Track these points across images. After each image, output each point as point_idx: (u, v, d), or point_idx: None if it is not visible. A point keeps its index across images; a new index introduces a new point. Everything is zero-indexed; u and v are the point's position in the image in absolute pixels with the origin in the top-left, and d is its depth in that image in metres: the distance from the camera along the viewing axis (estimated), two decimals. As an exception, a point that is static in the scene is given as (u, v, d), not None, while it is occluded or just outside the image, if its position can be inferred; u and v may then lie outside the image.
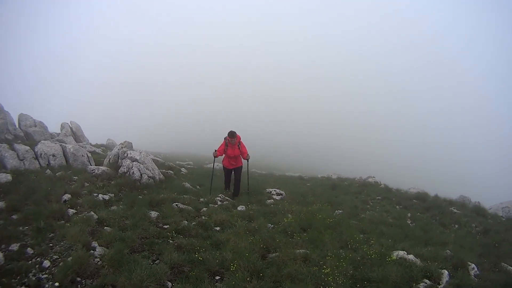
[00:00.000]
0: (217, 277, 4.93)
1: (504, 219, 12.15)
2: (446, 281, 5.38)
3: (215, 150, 9.83)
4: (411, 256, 6.05)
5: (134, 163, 9.45)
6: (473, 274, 5.93)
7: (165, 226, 6.49)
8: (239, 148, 9.91)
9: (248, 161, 10.22)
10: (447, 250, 6.93)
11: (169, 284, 4.57)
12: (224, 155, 10.04)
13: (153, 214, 6.94)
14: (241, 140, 10.01)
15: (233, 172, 10.28)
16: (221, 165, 11.01)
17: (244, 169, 10.44)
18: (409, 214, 10.82)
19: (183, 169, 13.67)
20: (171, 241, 5.81)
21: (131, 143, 12.64)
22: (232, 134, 9.67)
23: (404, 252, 6.26)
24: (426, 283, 5.24)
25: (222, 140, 9.97)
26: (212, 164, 9.83)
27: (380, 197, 13.13)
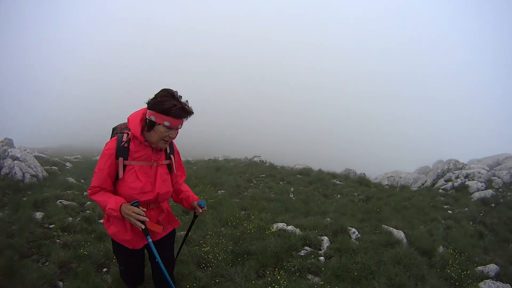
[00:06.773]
0: (104, 269, 5.18)
1: (387, 187, 13.26)
2: (327, 246, 5.90)
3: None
4: (290, 227, 6.48)
5: (16, 161, 8.93)
6: (354, 237, 6.41)
7: (51, 226, 6.51)
8: (171, 167, 3.03)
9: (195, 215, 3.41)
10: (328, 219, 7.39)
11: (60, 283, 4.68)
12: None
13: (38, 215, 6.87)
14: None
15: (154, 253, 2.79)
16: None
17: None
18: (292, 189, 11.41)
19: (68, 164, 13.24)
20: (57, 240, 5.88)
21: (12, 140, 11.67)
22: (183, 111, 2.67)
23: (284, 223, 6.70)
24: (307, 250, 5.71)
25: (109, 142, 2.80)
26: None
27: (264, 175, 13.67)
